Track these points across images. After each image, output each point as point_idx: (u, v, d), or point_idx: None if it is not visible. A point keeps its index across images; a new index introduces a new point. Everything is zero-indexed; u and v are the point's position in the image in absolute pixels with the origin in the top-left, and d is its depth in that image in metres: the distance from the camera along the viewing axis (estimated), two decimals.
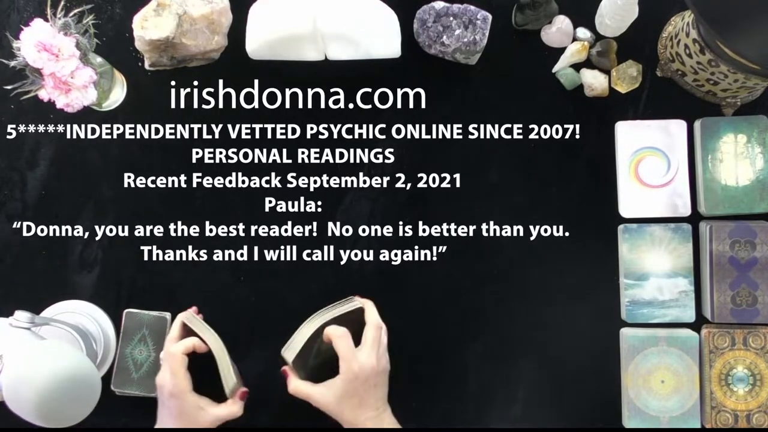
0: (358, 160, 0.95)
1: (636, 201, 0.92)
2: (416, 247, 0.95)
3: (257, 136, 0.96)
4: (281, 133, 0.96)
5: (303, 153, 0.96)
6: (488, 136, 0.95)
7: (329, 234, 0.95)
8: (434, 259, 0.95)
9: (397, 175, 0.95)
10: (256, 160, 0.96)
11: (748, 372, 0.89)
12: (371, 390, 0.83)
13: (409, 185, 0.95)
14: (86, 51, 0.84)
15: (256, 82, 0.96)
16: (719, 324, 0.90)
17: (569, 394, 0.93)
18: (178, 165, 0.96)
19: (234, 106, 0.96)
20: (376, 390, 0.83)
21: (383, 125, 0.95)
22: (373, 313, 0.87)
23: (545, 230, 0.94)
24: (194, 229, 0.95)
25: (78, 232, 0.95)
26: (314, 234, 0.95)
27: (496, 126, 0.95)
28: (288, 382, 0.86)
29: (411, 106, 0.95)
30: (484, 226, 0.95)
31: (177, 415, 0.83)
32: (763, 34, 0.75)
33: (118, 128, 0.96)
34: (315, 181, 0.95)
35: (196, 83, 0.96)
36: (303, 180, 0.95)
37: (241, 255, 0.95)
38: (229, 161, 0.96)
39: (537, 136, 0.95)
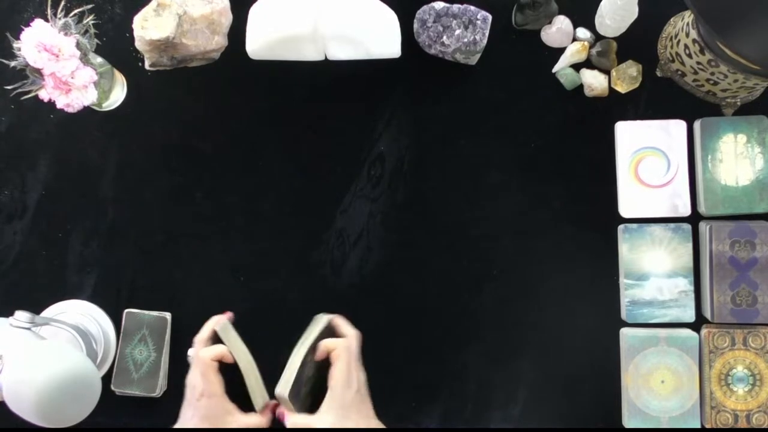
0: (357, 160, 0.95)
1: (636, 201, 0.92)
2: (416, 247, 0.95)
3: (257, 135, 0.96)
4: (281, 133, 0.96)
5: (303, 153, 0.96)
6: (488, 136, 0.95)
7: (329, 234, 0.95)
8: (434, 259, 0.95)
9: (397, 176, 0.95)
10: (256, 160, 0.96)
11: (748, 372, 0.89)
12: (364, 400, 0.83)
13: (409, 185, 0.95)
14: (86, 51, 0.84)
15: (256, 82, 0.96)
16: (719, 324, 0.90)
17: (569, 394, 0.93)
18: (177, 165, 0.96)
19: (234, 105, 0.96)
20: (367, 401, 0.84)
21: (383, 125, 0.95)
22: (349, 327, 0.86)
23: (545, 230, 0.94)
24: (194, 228, 0.95)
25: (78, 232, 0.95)
26: (314, 234, 0.95)
27: (496, 126, 0.95)
28: (285, 421, 0.85)
29: (411, 106, 0.95)
30: (483, 226, 0.95)
31: (203, 416, 0.82)
32: (763, 34, 0.75)
33: (118, 128, 0.96)
34: (315, 181, 0.95)
35: (196, 83, 0.96)
36: (303, 180, 0.95)
37: (242, 255, 0.95)
38: (229, 161, 0.96)
39: (537, 136, 0.95)
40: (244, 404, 0.85)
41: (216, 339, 0.88)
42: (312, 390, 0.88)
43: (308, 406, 0.87)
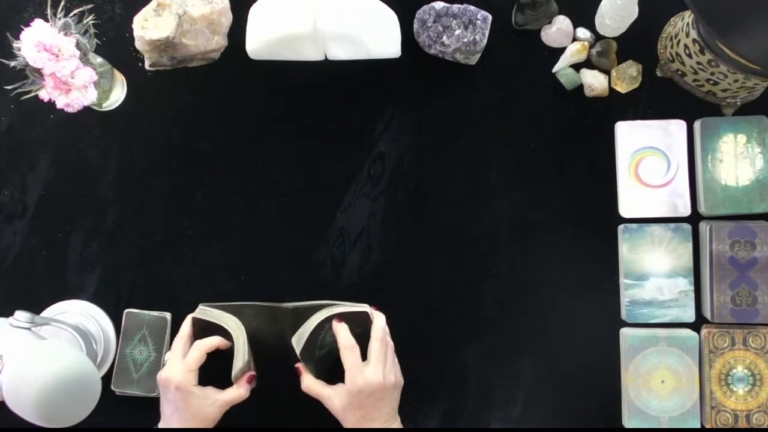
0: (357, 160, 0.95)
1: (636, 201, 0.92)
2: (416, 247, 0.95)
3: (257, 135, 0.96)
4: (281, 133, 0.96)
5: (303, 153, 0.96)
6: (488, 136, 0.95)
7: (329, 233, 0.95)
8: (434, 259, 0.95)
9: (397, 175, 0.95)
10: (256, 160, 0.96)
11: (747, 372, 0.89)
12: (377, 404, 0.82)
13: (409, 185, 0.95)
14: (86, 51, 0.84)
15: (256, 82, 0.96)
16: (719, 324, 0.90)
17: (569, 394, 0.93)
18: (177, 164, 0.96)
19: (234, 105, 0.96)
20: (383, 404, 0.83)
21: (383, 125, 0.95)
22: (379, 327, 0.85)
23: (545, 230, 0.94)
24: (194, 228, 0.95)
25: (78, 232, 0.95)
26: (314, 234, 0.95)
27: (496, 126, 0.95)
28: (301, 380, 0.87)
29: (411, 106, 0.95)
30: (483, 226, 0.95)
31: (184, 408, 0.83)
32: (763, 34, 0.75)
33: (118, 128, 0.96)
34: (315, 181, 0.95)
35: (196, 83, 0.96)
36: (303, 180, 0.95)
37: (242, 255, 0.95)
38: (229, 161, 0.96)
39: (537, 136, 0.95)
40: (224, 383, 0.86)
41: (196, 333, 0.89)
42: (331, 355, 0.88)
43: (326, 371, 0.87)
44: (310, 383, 0.86)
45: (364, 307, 0.87)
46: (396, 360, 0.86)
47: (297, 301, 0.92)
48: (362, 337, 0.85)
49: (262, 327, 0.90)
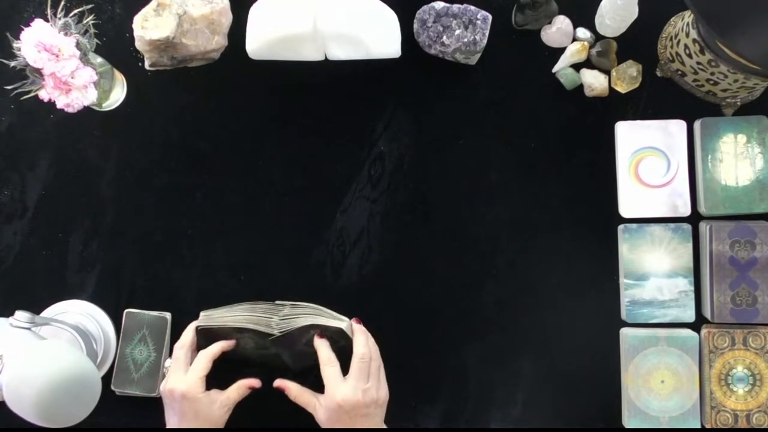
0: (357, 160, 0.95)
1: (636, 201, 0.92)
2: (416, 247, 0.95)
3: (257, 135, 0.96)
4: (281, 133, 0.96)
5: (303, 153, 0.96)
6: (488, 136, 0.95)
7: (329, 234, 0.95)
8: (434, 259, 0.95)
9: (397, 176, 0.95)
10: (255, 160, 0.96)
11: (747, 372, 0.89)
12: (356, 420, 0.81)
13: (409, 185, 0.95)
14: (86, 51, 0.84)
15: (256, 82, 0.96)
16: (719, 324, 0.90)
17: (569, 394, 0.93)
18: (177, 164, 0.96)
19: (234, 105, 0.96)
20: (363, 421, 0.81)
21: (383, 125, 0.95)
22: (360, 344, 0.84)
23: (545, 230, 0.94)
24: (194, 228, 0.95)
25: (78, 232, 0.95)
26: (314, 234, 0.95)
27: (496, 126, 0.95)
28: (288, 392, 0.86)
29: (411, 106, 0.95)
30: (484, 226, 0.95)
31: (193, 416, 0.83)
32: (763, 34, 0.75)
33: (118, 128, 0.96)
34: (315, 181, 0.95)
35: (196, 83, 0.96)
36: (302, 180, 0.95)
37: (242, 255, 0.95)
38: (229, 161, 0.96)
39: (537, 136, 0.95)
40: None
41: (200, 341, 0.89)
42: (312, 357, 0.87)
43: (313, 377, 0.87)
44: (297, 393, 0.86)
45: (342, 323, 0.86)
46: (382, 377, 0.85)
47: (292, 300, 0.92)
48: (347, 351, 0.85)
49: (254, 340, 0.90)
